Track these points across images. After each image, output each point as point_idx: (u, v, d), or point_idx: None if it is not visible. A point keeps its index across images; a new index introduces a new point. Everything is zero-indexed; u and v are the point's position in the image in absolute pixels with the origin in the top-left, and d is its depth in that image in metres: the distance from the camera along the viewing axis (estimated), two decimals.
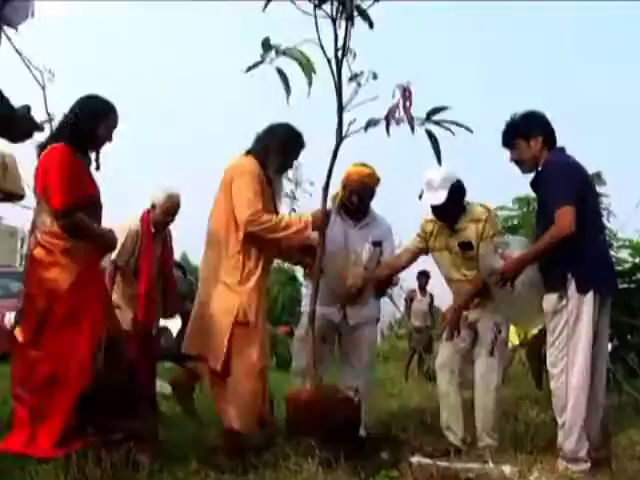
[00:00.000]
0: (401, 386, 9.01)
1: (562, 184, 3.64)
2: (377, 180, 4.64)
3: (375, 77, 3.56)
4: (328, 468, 3.16)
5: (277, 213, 3.97)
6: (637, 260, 5.86)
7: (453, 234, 4.27)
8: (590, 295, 3.56)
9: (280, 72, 3.56)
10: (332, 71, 3.63)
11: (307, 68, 3.44)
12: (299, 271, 4.03)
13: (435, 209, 4.24)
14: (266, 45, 3.49)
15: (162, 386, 6.16)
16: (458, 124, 3.60)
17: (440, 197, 4.13)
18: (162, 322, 13.70)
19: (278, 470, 3.18)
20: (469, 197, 4.27)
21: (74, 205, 3.34)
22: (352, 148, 4.08)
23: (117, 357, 3.44)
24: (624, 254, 5.95)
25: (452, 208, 4.21)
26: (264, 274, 3.89)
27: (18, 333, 3.41)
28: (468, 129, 3.61)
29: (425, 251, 4.48)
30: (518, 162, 3.94)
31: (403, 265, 4.61)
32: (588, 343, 3.55)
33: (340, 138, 3.72)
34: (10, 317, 12.66)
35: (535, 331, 7.22)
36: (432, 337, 10.97)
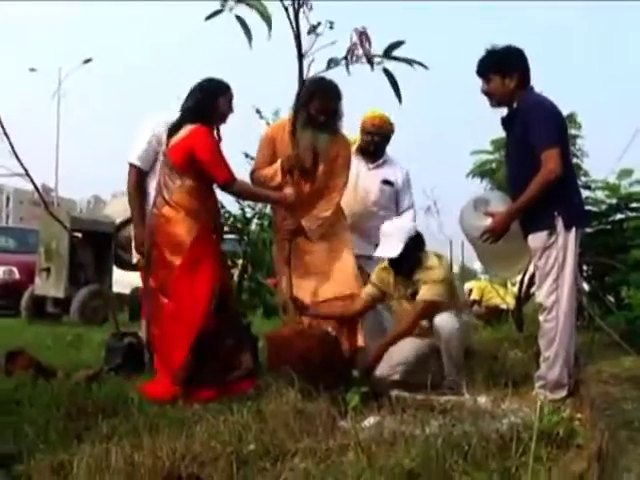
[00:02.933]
0: None
1: (547, 125, 3.70)
2: (391, 125, 4.98)
3: (332, 27, 3.66)
4: (308, 396, 3.32)
5: (315, 168, 4.35)
6: (613, 201, 5.93)
7: (409, 284, 4.25)
8: (573, 230, 3.69)
9: (239, 19, 3.62)
10: (289, 19, 3.70)
11: (265, 14, 3.53)
12: None
13: (390, 259, 4.24)
14: None
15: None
16: (413, 61, 3.73)
17: (396, 249, 4.12)
18: None
19: (259, 398, 3.35)
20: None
21: (234, 175, 4.00)
22: None
23: (227, 303, 4.01)
24: (600, 195, 6.01)
25: (408, 260, 4.18)
26: None
27: (150, 279, 4.11)
28: (423, 65, 3.74)
29: (381, 299, 4.46)
30: (489, 95, 3.94)
31: (358, 312, 4.43)
32: (575, 276, 3.71)
33: (302, 82, 3.89)
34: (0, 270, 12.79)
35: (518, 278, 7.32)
36: None
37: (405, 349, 4.21)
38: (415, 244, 4.21)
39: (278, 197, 4.23)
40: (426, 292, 4.08)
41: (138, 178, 4.72)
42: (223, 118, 4.15)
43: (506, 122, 3.97)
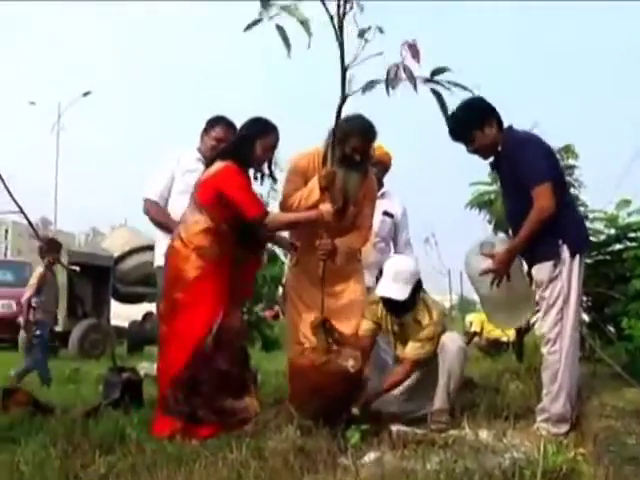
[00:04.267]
0: None
1: (534, 162, 3.72)
2: (389, 157, 4.99)
3: (381, 31, 3.45)
4: (308, 434, 3.28)
5: (345, 208, 4.21)
6: (612, 231, 5.92)
7: (396, 320, 4.17)
8: (577, 257, 3.69)
9: (279, 28, 3.50)
10: (334, 27, 3.53)
11: (306, 24, 3.42)
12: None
13: (387, 300, 4.03)
14: (265, 2, 3.46)
15: (148, 368, 6.28)
16: (461, 86, 3.59)
17: (404, 293, 3.96)
18: (147, 306, 13.75)
19: (258, 435, 3.31)
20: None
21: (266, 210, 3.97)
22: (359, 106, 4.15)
23: (227, 344, 3.87)
24: (599, 225, 6.00)
25: (406, 304, 4.02)
26: None
27: (161, 307, 4.09)
28: (470, 90, 3.63)
29: (378, 331, 4.31)
30: (478, 151, 3.96)
31: (369, 348, 4.28)
32: (579, 306, 3.74)
33: (343, 97, 3.72)
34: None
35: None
36: None
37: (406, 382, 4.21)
38: (415, 288, 4.09)
39: (316, 214, 3.99)
40: (415, 350, 4.03)
41: (158, 209, 4.74)
42: (260, 163, 4.08)
43: (495, 165, 4.02)
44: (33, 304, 6.75)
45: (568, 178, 6.06)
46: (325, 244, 4.02)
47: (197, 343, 3.79)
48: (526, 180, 3.71)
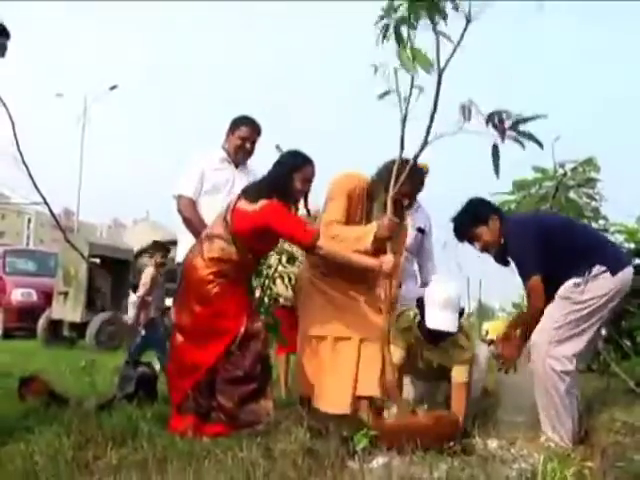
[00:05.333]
0: None
1: (521, 257, 3.87)
2: (427, 171, 4.81)
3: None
4: (317, 436, 3.31)
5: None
6: (632, 245, 5.91)
7: (427, 349, 4.08)
8: (609, 274, 3.75)
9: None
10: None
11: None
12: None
13: (436, 332, 3.88)
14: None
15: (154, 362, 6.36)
16: (533, 138, 3.62)
17: (455, 323, 3.86)
18: (167, 302, 13.81)
19: (268, 436, 3.35)
20: None
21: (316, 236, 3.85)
22: None
23: (250, 348, 3.87)
24: (619, 239, 5.98)
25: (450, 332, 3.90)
26: None
27: (173, 313, 4.14)
28: (540, 144, 3.64)
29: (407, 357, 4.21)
30: (488, 248, 4.08)
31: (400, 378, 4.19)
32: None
33: (425, 143, 3.71)
34: (17, 293, 12.93)
35: None
36: None
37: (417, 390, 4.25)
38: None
39: (375, 263, 3.87)
40: (465, 373, 3.97)
41: (193, 207, 4.73)
42: (298, 196, 4.06)
43: (499, 258, 4.12)
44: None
45: (589, 191, 6.07)
46: (388, 262, 3.84)
47: (221, 349, 3.83)
48: (519, 274, 3.89)
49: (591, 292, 3.69)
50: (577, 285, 3.70)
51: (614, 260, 3.83)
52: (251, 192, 3.98)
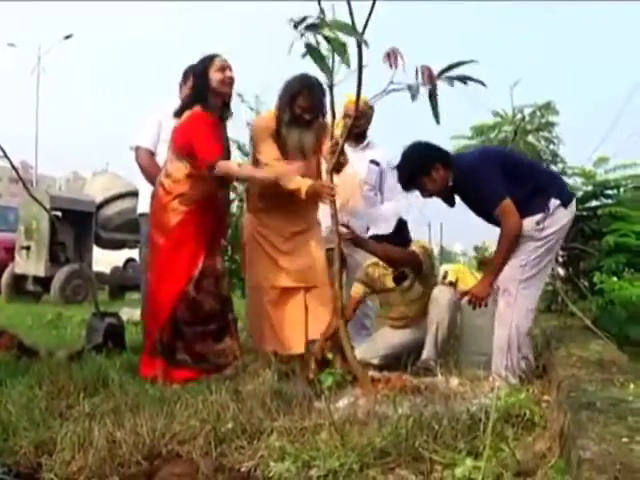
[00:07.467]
0: None
1: (485, 185, 3.79)
2: (371, 108, 4.98)
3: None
4: (285, 378, 3.41)
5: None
6: (589, 188, 6.04)
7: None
8: (562, 209, 3.79)
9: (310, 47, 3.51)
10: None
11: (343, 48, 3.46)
12: None
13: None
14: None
15: (130, 314, 6.38)
16: (472, 79, 3.54)
17: (389, 228, 4.38)
18: (129, 253, 13.74)
19: (237, 379, 3.44)
20: None
21: (218, 157, 3.88)
22: None
23: (209, 287, 3.97)
24: (576, 182, 6.11)
25: (396, 240, 4.38)
26: None
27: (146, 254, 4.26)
28: (482, 83, 3.57)
29: (369, 294, 4.61)
30: (432, 194, 4.05)
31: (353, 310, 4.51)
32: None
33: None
34: None
35: None
36: None
37: (390, 337, 4.37)
38: (402, 227, 4.45)
39: (281, 171, 4.04)
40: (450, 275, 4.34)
41: (151, 158, 4.87)
42: (218, 93, 4.02)
43: (449, 200, 4.09)
44: None
45: (547, 134, 6.17)
46: (329, 185, 3.92)
47: (181, 287, 3.90)
48: (486, 205, 3.83)
49: (550, 228, 3.73)
50: (538, 223, 3.74)
51: (564, 192, 3.90)
52: (178, 109, 4.10)
